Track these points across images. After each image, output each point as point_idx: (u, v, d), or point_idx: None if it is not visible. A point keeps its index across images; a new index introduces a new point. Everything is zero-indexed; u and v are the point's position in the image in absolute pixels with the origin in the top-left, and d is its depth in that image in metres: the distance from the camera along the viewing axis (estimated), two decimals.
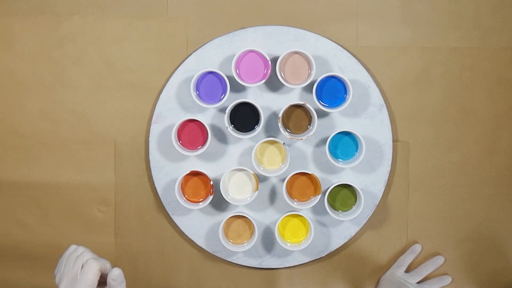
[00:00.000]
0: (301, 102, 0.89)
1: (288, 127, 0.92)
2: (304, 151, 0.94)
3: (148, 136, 0.95)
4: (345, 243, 0.96)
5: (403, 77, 0.96)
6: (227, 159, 0.94)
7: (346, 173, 0.94)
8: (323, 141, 0.94)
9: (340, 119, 0.94)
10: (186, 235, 0.96)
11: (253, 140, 0.93)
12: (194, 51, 0.94)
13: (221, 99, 0.90)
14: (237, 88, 0.93)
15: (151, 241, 0.97)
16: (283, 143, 0.91)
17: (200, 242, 0.96)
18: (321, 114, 0.93)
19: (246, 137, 0.90)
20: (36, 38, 0.96)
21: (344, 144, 0.92)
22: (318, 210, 0.94)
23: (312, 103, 0.89)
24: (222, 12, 0.95)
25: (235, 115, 0.91)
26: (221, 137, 0.94)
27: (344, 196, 0.93)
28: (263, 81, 0.89)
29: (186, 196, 0.92)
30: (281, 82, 0.89)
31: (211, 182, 0.91)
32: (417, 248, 0.96)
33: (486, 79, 0.96)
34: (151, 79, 0.96)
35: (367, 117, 0.94)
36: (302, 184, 0.92)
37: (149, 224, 0.97)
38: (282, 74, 0.90)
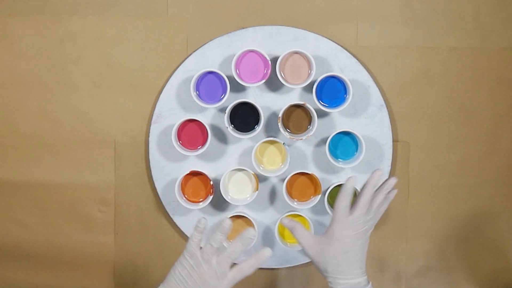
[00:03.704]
0: (301, 102, 0.89)
1: (288, 127, 0.92)
2: (304, 151, 0.94)
3: (148, 136, 0.95)
4: None
5: (403, 77, 0.96)
6: (227, 159, 0.94)
7: (346, 173, 0.94)
8: (323, 141, 0.93)
9: (340, 119, 0.94)
10: (186, 235, 0.96)
11: (253, 140, 0.93)
12: (194, 51, 0.94)
13: (221, 99, 0.90)
14: (237, 88, 0.93)
15: (151, 241, 0.97)
16: (283, 143, 0.91)
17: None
18: (321, 114, 0.93)
19: (246, 137, 0.90)
20: (36, 38, 0.96)
21: (344, 144, 0.92)
22: (318, 210, 0.94)
23: (312, 103, 0.89)
24: (222, 12, 0.95)
25: (235, 115, 0.90)
26: (221, 137, 0.94)
27: None
28: (263, 81, 0.89)
29: (186, 196, 0.92)
30: (281, 82, 0.89)
31: (211, 182, 0.91)
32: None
33: (486, 79, 0.96)
34: (151, 79, 0.95)
35: (367, 117, 0.94)
36: (302, 184, 0.92)
37: (149, 224, 0.97)
38: (282, 74, 0.90)
